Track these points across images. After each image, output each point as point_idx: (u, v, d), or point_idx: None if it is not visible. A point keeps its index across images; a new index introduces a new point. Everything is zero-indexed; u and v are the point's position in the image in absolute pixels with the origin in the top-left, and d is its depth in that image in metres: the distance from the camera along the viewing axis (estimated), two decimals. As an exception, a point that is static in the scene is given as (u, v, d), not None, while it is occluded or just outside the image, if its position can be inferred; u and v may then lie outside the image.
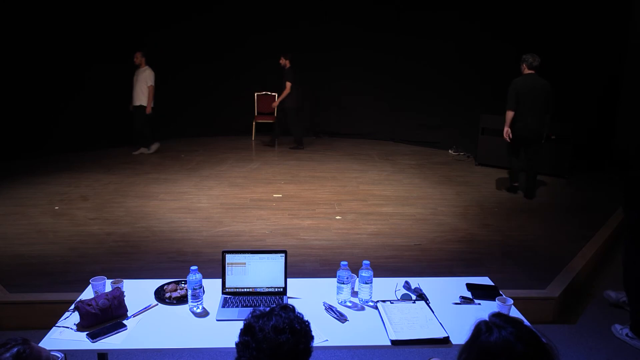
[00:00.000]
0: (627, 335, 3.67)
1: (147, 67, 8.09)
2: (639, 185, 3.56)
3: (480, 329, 1.51)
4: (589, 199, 6.52)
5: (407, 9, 8.89)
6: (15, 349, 1.48)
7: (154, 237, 5.00)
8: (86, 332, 2.26)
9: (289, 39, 9.15)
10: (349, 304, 2.55)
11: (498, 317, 1.57)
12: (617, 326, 3.78)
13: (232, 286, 2.62)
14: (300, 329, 1.58)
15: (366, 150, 8.84)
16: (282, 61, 8.68)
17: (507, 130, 6.20)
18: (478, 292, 2.68)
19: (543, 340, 1.49)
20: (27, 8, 7.63)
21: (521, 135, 6.19)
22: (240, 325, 1.62)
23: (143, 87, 8.02)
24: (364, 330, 2.35)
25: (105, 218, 5.46)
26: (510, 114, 6.18)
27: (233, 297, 2.60)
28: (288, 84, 8.59)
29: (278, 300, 2.59)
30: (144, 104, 8.07)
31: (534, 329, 1.53)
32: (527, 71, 6.28)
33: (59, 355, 2.01)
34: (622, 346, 3.56)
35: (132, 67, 8.26)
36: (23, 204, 5.84)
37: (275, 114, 9.21)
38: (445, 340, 2.26)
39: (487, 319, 1.58)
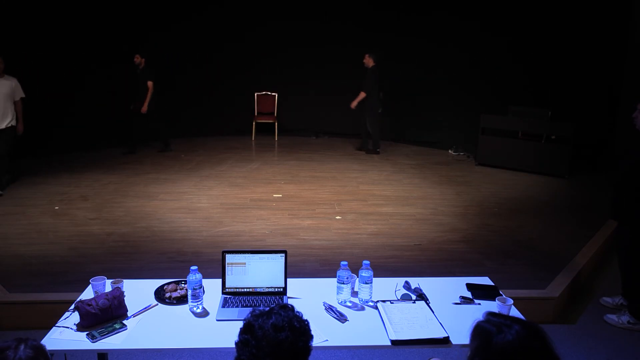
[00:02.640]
0: (629, 322, 3.70)
1: (7, 76, 6.11)
2: (628, 194, 3.64)
3: (489, 331, 1.50)
4: (589, 199, 6.52)
5: (407, 9, 8.89)
6: (23, 346, 1.48)
7: (154, 237, 5.00)
8: (86, 332, 2.26)
9: (288, 38, 9.16)
10: (349, 304, 2.55)
11: (497, 317, 1.56)
12: (612, 316, 3.82)
13: (232, 286, 2.62)
14: (299, 327, 1.59)
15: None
16: (137, 59, 7.91)
17: (355, 104, 8.29)
18: (478, 292, 2.68)
19: (546, 333, 1.50)
20: (28, 10, 7.63)
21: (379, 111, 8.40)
22: (240, 325, 1.63)
23: (10, 101, 6.11)
24: (364, 330, 2.35)
25: (105, 218, 5.46)
26: (364, 95, 8.22)
27: (233, 297, 2.60)
28: (150, 83, 7.89)
29: (278, 300, 2.59)
30: (15, 123, 6.22)
31: (535, 323, 1.54)
32: (372, 64, 8.23)
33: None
34: (622, 346, 3.56)
35: (133, 67, 8.24)
36: (23, 204, 5.84)
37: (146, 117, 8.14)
38: (445, 340, 2.26)
39: (482, 318, 1.57)
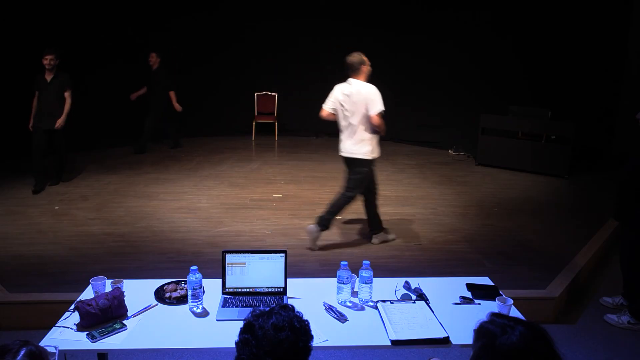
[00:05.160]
0: (629, 322, 3.71)
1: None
2: (631, 194, 3.65)
3: (494, 332, 1.50)
4: (589, 199, 6.52)
5: (407, 8, 8.89)
6: (24, 350, 1.47)
7: (154, 237, 5.00)
8: (86, 332, 2.26)
9: (288, 38, 9.16)
10: (349, 304, 2.55)
11: (501, 317, 1.56)
12: (612, 316, 3.82)
13: (232, 286, 2.62)
14: (299, 327, 1.59)
15: (366, 150, 8.82)
16: (50, 61, 6.21)
17: (178, 105, 8.28)
18: (478, 292, 2.68)
19: (549, 334, 1.50)
20: (29, 10, 7.63)
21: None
22: (240, 325, 1.63)
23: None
24: (364, 330, 2.35)
25: (105, 218, 5.45)
26: (173, 93, 8.19)
27: (233, 297, 2.60)
28: (68, 94, 6.31)
29: (278, 300, 2.59)
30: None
31: (538, 324, 1.54)
32: (158, 64, 8.12)
33: (54, 349, 2.02)
34: (622, 346, 3.56)
35: (133, 67, 8.24)
36: (23, 204, 5.84)
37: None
38: (445, 340, 2.26)
39: (486, 319, 1.57)
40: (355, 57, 4.55)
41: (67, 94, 6.27)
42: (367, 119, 4.42)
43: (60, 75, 6.20)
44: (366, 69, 4.54)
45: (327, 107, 4.75)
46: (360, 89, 4.45)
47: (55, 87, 6.18)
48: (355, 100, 4.45)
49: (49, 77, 6.15)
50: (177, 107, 8.27)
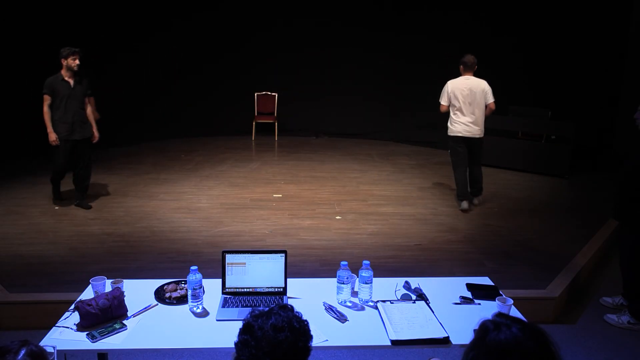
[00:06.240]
0: (629, 322, 3.71)
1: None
2: (630, 194, 3.66)
3: (487, 327, 1.51)
4: (589, 199, 6.52)
5: (407, 8, 8.89)
6: (24, 350, 1.47)
7: (154, 237, 5.00)
8: (86, 332, 2.26)
9: (289, 38, 9.16)
10: (349, 304, 2.55)
11: (502, 316, 1.57)
12: (612, 316, 3.83)
13: (232, 286, 2.62)
14: (299, 328, 1.59)
15: (366, 150, 8.83)
16: None
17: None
18: (478, 292, 2.68)
19: (550, 337, 1.50)
20: (30, 9, 7.63)
21: None
22: (240, 325, 1.63)
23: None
24: (364, 330, 2.36)
25: (105, 218, 5.46)
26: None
27: (233, 297, 2.60)
28: None
29: (278, 300, 2.59)
30: None
31: (539, 326, 1.54)
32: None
33: (52, 349, 2.02)
34: (622, 346, 3.56)
35: (133, 67, 8.23)
36: (23, 204, 5.84)
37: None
38: (445, 340, 2.26)
39: (490, 317, 1.59)
40: (471, 57, 5.69)
41: (87, 99, 5.59)
42: (484, 106, 5.63)
43: (82, 79, 5.48)
44: (476, 67, 5.68)
45: (444, 102, 5.78)
46: (479, 83, 5.64)
47: (80, 92, 5.48)
48: (477, 92, 5.59)
49: (71, 81, 5.39)
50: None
